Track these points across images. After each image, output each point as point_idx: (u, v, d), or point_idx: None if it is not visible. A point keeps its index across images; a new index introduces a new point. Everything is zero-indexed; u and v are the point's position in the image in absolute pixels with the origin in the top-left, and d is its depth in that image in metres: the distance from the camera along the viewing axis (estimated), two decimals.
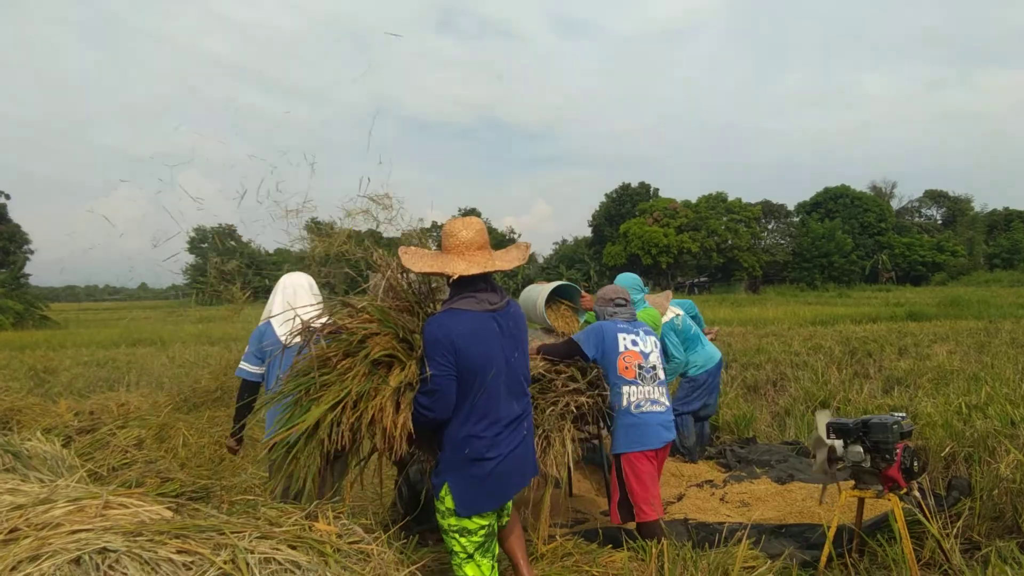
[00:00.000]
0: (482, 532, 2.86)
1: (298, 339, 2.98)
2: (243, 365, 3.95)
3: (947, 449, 5.24)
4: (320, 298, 4.13)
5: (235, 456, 5.03)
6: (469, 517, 2.82)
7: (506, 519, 3.20)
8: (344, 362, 2.78)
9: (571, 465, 3.96)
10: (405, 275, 3.05)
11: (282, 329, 3.78)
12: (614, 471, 4.12)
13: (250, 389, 3.95)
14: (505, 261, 2.97)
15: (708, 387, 6.31)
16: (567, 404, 3.92)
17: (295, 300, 3.94)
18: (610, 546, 3.84)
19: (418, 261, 2.88)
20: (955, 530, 3.82)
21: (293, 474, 2.72)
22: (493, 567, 2.90)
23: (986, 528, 4.17)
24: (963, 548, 3.88)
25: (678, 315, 6.21)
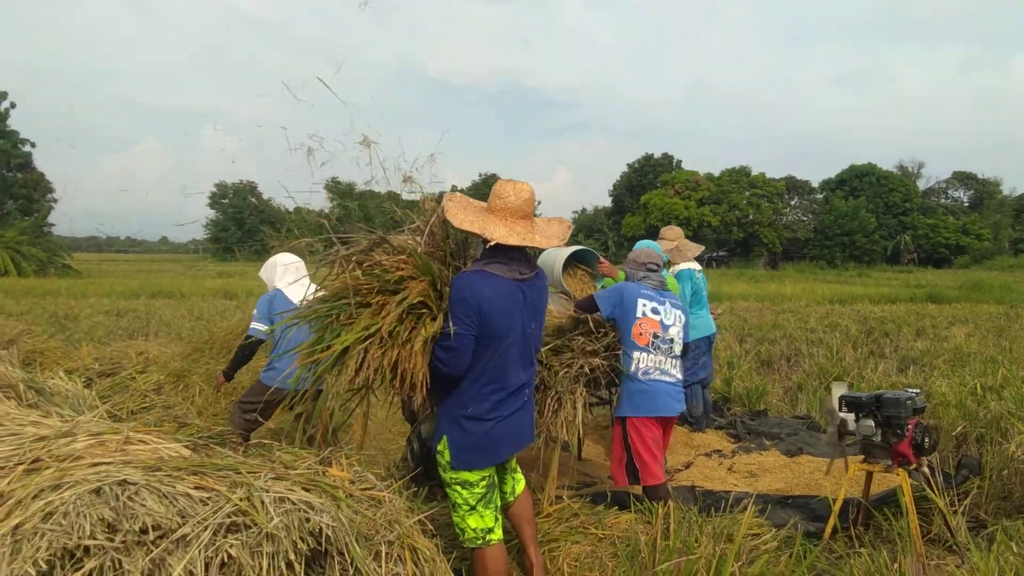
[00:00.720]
0: (483, 484, 2.90)
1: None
2: (255, 325, 4.54)
3: (959, 429, 5.23)
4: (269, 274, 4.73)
5: (218, 392, 5.68)
6: (469, 470, 2.87)
7: (511, 497, 3.22)
8: (377, 297, 2.78)
9: (581, 428, 3.99)
10: (446, 224, 3.03)
11: (296, 295, 4.30)
12: (618, 433, 4.15)
13: (254, 346, 4.59)
14: (545, 237, 2.95)
15: (706, 354, 6.37)
16: (581, 366, 3.94)
17: (298, 271, 4.61)
18: (616, 508, 3.88)
19: (460, 214, 2.86)
20: (962, 508, 3.82)
21: (315, 407, 2.76)
22: (497, 519, 2.93)
23: (994, 507, 4.18)
24: (970, 526, 3.89)
25: (700, 270, 6.29)
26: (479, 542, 2.89)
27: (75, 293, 20.14)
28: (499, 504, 3.03)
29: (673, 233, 6.55)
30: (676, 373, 4.12)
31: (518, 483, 3.27)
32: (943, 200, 71.25)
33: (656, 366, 4.03)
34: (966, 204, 71.10)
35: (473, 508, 2.89)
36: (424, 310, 2.82)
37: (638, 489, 4.03)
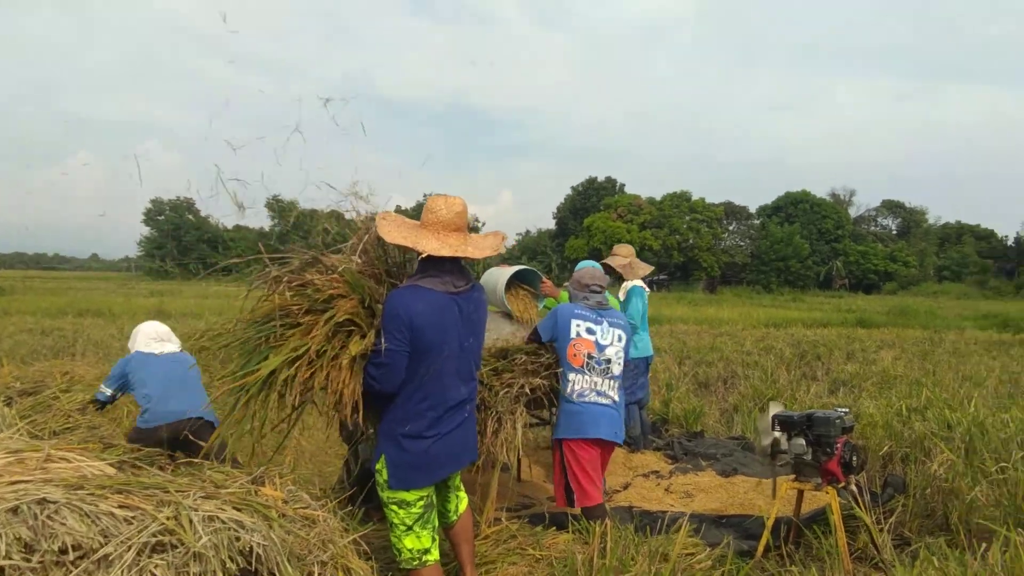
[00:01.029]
0: (420, 503, 2.88)
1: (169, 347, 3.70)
2: (101, 387, 4.72)
3: (885, 449, 5.40)
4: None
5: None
6: (407, 490, 2.85)
7: (453, 516, 3.21)
8: (307, 318, 2.76)
9: (520, 449, 3.99)
10: (381, 242, 3.04)
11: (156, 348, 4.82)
12: (556, 455, 4.15)
13: (100, 405, 4.80)
14: (478, 249, 2.95)
15: (644, 375, 6.46)
16: (522, 386, 3.94)
17: (161, 340, 4.92)
18: (554, 528, 3.88)
19: (393, 231, 2.87)
20: (888, 525, 3.94)
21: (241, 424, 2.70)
22: (434, 539, 2.91)
23: (917, 525, 4.32)
24: (895, 543, 4.01)
25: (647, 290, 6.39)
26: (415, 563, 2.85)
27: None
28: (436, 524, 3.00)
29: (626, 250, 6.64)
30: (613, 395, 4.10)
31: (461, 502, 3.25)
32: (873, 228, 74.03)
33: (591, 387, 4.03)
34: (894, 232, 74.00)
35: (410, 528, 2.85)
36: (353, 327, 2.80)
37: (578, 510, 4.04)
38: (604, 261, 6.22)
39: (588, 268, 4.46)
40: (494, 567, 3.43)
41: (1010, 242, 72.70)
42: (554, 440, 4.16)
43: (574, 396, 4.01)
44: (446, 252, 2.82)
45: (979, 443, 4.83)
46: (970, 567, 2.85)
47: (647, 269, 6.51)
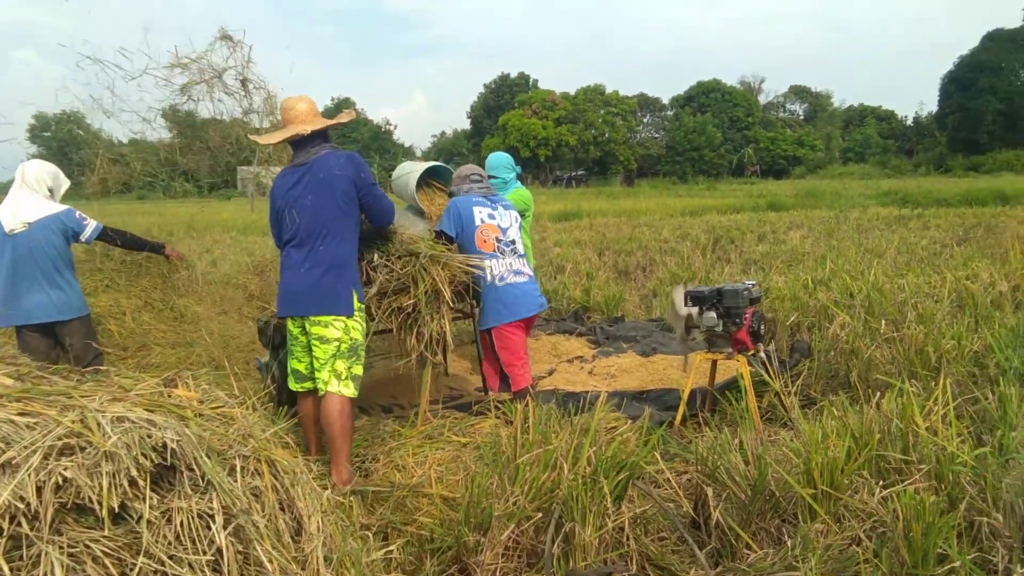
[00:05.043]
0: (291, 336, 3.61)
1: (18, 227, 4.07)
2: None
3: (793, 319, 5.67)
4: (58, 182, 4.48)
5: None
6: (283, 317, 3.62)
7: (319, 383, 3.53)
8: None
9: (451, 344, 4.04)
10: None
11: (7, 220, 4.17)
12: (486, 344, 4.22)
13: None
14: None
15: None
16: (435, 281, 3.92)
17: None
18: (478, 415, 3.99)
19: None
20: (795, 388, 4.17)
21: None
22: (305, 372, 3.63)
23: (822, 385, 4.59)
24: (802, 403, 4.25)
25: None
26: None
27: None
28: (308, 361, 3.60)
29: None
30: (527, 271, 4.27)
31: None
32: (781, 114, 75.51)
33: (508, 268, 4.15)
34: (801, 117, 75.70)
35: (292, 354, 3.68)
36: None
37: (503, 397, 4.15)
38: None
39: (465, 165, 4.63)
40: (423, 454, 3.51)
41: (909, 122, 75.57)
42: (483, 330, 4.22)
43: (496, 280, 4.08)
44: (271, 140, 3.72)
45: (877, 307, 5.11)
46: (866, 415, 3.06)
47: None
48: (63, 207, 4.33)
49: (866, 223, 15.83)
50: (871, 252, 9.95)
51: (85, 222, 4.35)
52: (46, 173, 4.36)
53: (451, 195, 4.60)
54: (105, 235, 4.48)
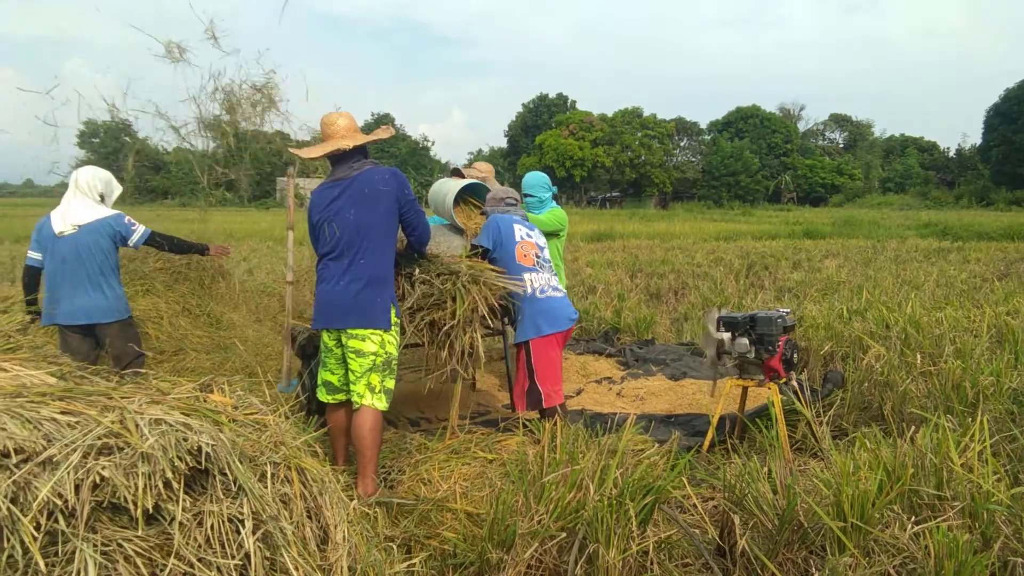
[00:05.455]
0: (325, 347, 3.64)
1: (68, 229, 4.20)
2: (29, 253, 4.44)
3: (827, 348, 5.60)
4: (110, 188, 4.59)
5: None
6: (319, 329, 3.64)
7: (353, 395, 3.53)
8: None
9: (482, 359, 4.07)
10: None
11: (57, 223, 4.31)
12: (521, 360, 4.24)
13: (30, 273, 4.44)
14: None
15: None
16: (474, 299, 3.95)
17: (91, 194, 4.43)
18: (505, 431, 4.00)
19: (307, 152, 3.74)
20: (827, 418, 4.11)
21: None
22: (337, 384, 3.65)
23: (854, 417, 4.52)
24: (833, 434, 4.19)
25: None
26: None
27: None
28: (340, 375, 3.65)
29: (485, 167, 6.31)
30: (562, 288, 4.41)
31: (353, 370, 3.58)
32: (820, 141, 74.85)
33: (547, 283, 4.24)
34: (841, 145, 74.97)
35: (324, 365, 3.71)
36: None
37: (531, 415, 4.16)
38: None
39: (500, 187, 4.77)
40: (449, 468, 3.52)
41: (951, 154, 74.40)
42: (519, 344, 4.25)
43: (537, 293, 4.18)
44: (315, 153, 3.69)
45: (913, 340, 5.03)
46: (900, 448, 3.00)
47: (504, 194, 6.20)
48: (113, 212, 4.45)
49: (904, 254, 15.59)
50: (908, 284, 9.80)
51: (134, 227, 4.45)
52: (98, 179, 4.48)
53: (484, 215, 4.65)
54: (153, 240, 4.57)
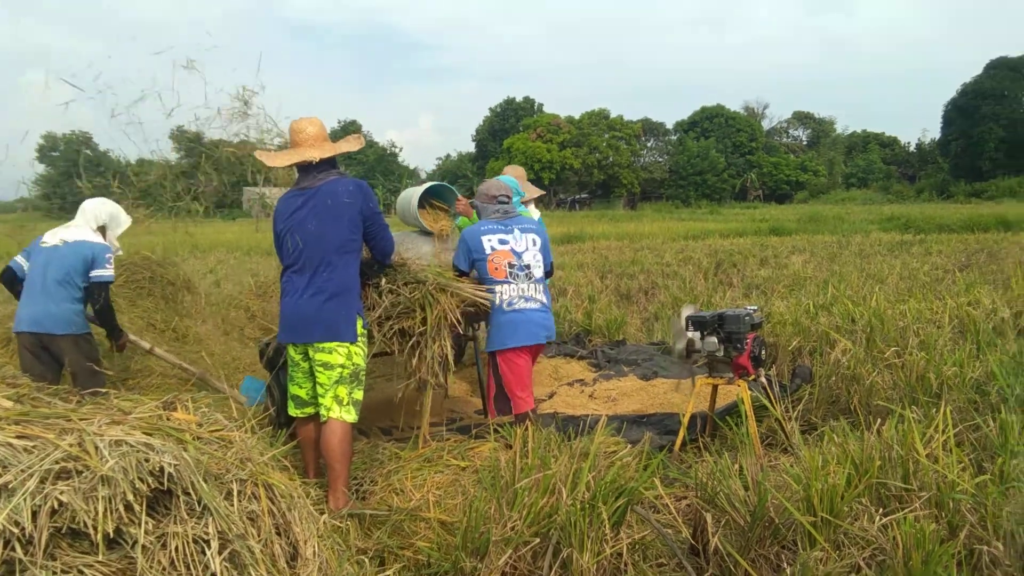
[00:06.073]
0: (292, 361, 3.60)
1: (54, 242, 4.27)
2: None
3: (794, 344, 5.65)
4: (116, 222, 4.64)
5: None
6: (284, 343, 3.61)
7: (321, 408, 3.50)
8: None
9: (453, 367, 4.05)
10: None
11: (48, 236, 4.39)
12: (489, 368, 4.24)
13: (7, 274, 4.47)
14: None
15: None
16: (443, 309, 3.93)
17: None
18: (478, 438, 3.99)
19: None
20: (796, 413, 4.15)
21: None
22: (306, 398, 3.62)
23: (823, 411, 4.57)
24: (802, 428, 4.23)
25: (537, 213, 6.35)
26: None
27: None
28: (308, 389, 3.61)
29: (517, 172, 6.47)
30: (540, 297, 4.25)
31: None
32: (784, 139, 75.80)
33: (519, 295, 4.16)
34: (804, 142, 75.97)
35: (292, 379, 3.65)
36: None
37: (507, 419, 4.14)
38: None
39: (494, 180, 4.58)
40: (421, 477, 3.50)
41: (912, 148, 75.81)
42: (488, 353, 4.24)
43: (504, 306, 4.12)
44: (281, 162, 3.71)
45: (878, 333, 5.11)
46: (867, 441, 3.04)
47: (536, 192, 6.38)
48: (102, 242, 4.45)
49: (868, 248, 15.85)
50: (873, 277, 9.95)
51: (108, 266, 4.40)
52: (101, 211, 4.55)
53: (474, 207, 4.63)
54: (102, 294, 4.43)
